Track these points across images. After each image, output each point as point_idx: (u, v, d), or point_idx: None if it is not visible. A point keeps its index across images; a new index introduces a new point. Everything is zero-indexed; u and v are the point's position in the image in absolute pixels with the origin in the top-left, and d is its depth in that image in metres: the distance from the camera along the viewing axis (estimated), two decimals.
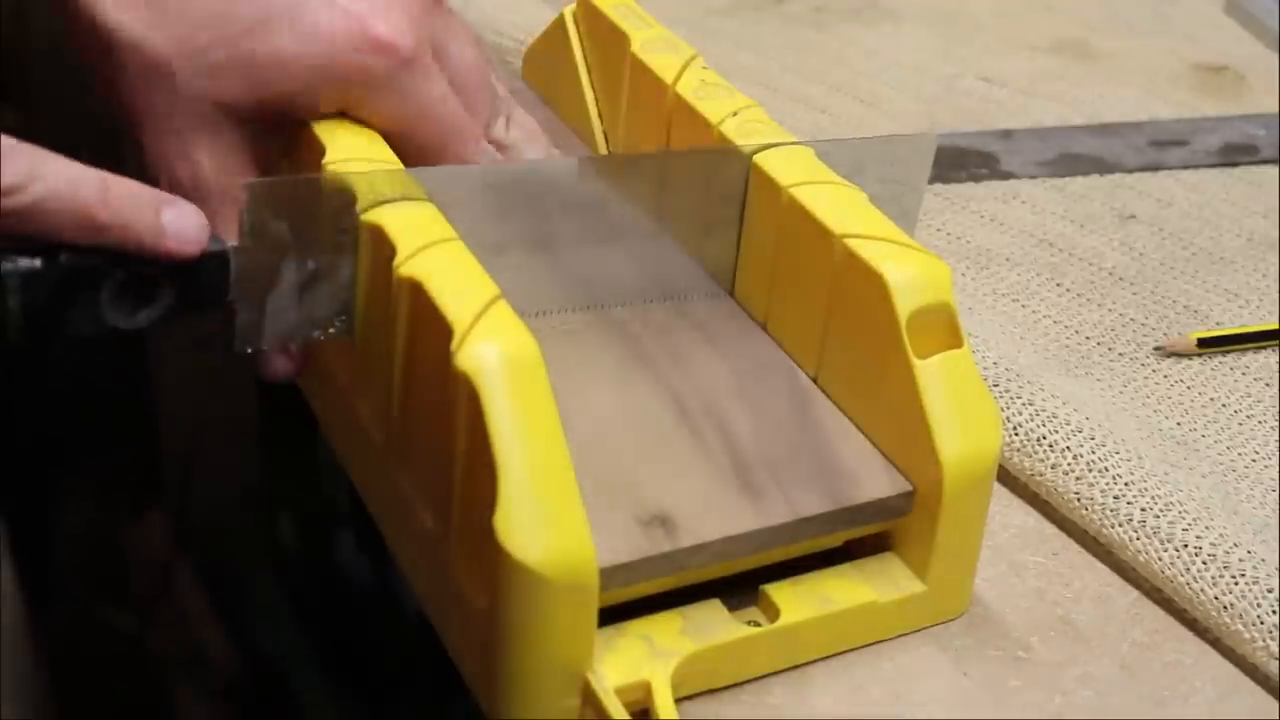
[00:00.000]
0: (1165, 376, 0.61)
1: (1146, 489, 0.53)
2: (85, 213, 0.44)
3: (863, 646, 0.49)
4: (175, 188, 0.51)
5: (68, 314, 0.45)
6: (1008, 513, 0.55)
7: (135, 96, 0.51)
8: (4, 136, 0.43)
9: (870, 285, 0.48)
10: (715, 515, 0.46)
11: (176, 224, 0.46)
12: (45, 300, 0.45)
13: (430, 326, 0.44)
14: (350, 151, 0.50)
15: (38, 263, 0.44)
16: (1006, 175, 0.74)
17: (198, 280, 0.47)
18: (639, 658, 0.45)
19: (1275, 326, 0.63)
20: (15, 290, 0.44)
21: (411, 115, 0.52)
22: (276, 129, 0.52)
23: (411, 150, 0.52)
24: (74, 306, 0.45)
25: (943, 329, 0.48)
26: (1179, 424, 0.58)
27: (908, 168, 0.57)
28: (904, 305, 0.47)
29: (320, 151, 0.50)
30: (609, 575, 0.43)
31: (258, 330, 0.49)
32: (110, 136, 0.53)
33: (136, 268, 0.46)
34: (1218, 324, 0.64)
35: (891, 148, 0.57)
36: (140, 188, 0.46)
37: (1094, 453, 0.54)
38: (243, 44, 0.49)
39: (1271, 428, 0.59)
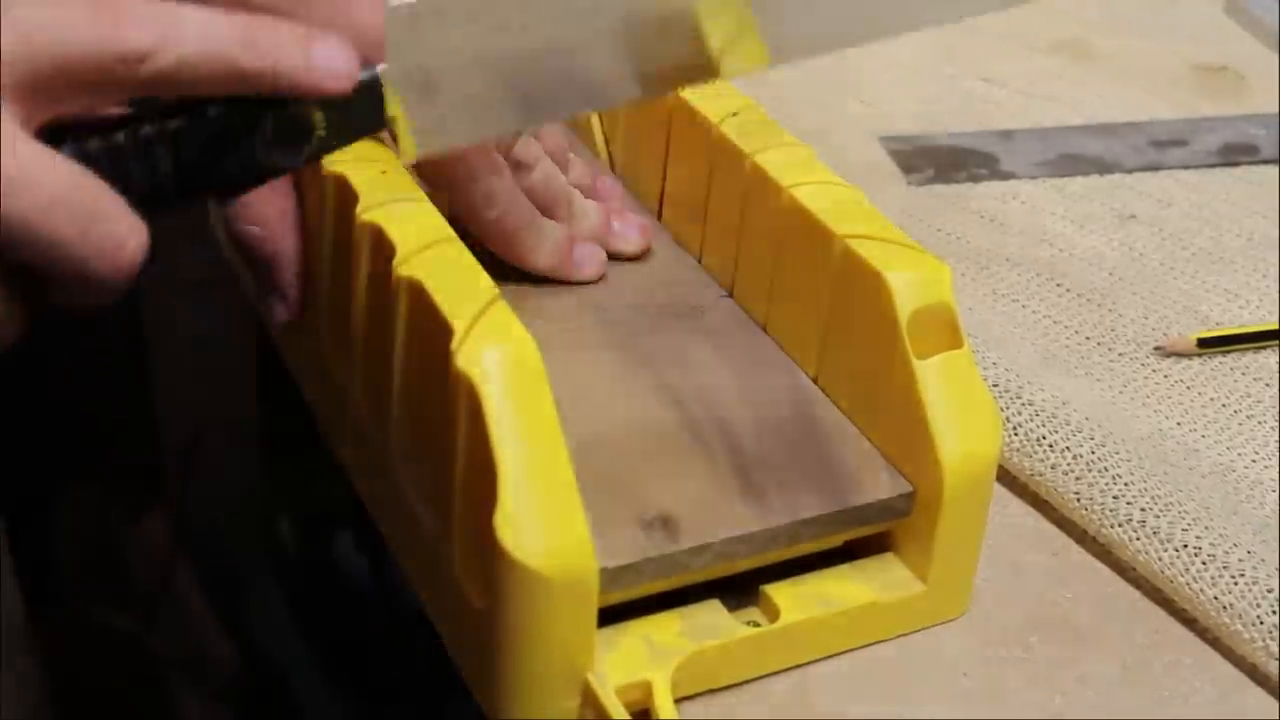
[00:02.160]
0: (1165, 376, 0.61)
1: (1146, 489, 0.53)
2: (231, 65, 0.41)
3: (862, 646, 0.49)
4: None
5: (224, 167, 0.43)
6: (1008, 513, 0.55)
7: None
8: None
9: (870, 286, 0.48)
10: (716, 516, 0.46)
11: (326, 60, 0.43)
12: (198, 155, 0.43)
13: (430, 327, 0.44)
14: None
15: (185, 121, 0.42)
16: (1006, 175, 0.74)
17: (351, 109, 0.45)
18: (639, 658, 0.45)
19: (1275, 326, 0.63)
20: (166, 155, 0.42)
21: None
22: None
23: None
24: (230, 158, 0.43)
25: (943, 329, 0.48)
26: (1179, 424, 0.58)
27: None
28: (904, 306, 0.47)
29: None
30: (610, 576, 0.43)
31: (438, 133, 0.46)
32: None
33: (289, 108, 0.44)
34: (1218, 324, 0.64)
35: None
36: (285, 25, 0.43)
37: (1094, 453, 0.54)
38: None
39: (1271, 428, 0.59)
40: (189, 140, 0.43)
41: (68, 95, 0.40)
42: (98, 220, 0.39)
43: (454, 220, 0.48)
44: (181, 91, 0.42)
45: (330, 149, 0.45)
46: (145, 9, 0.40)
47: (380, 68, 0.45)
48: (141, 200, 0.41)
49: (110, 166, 0.41)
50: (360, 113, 0.45)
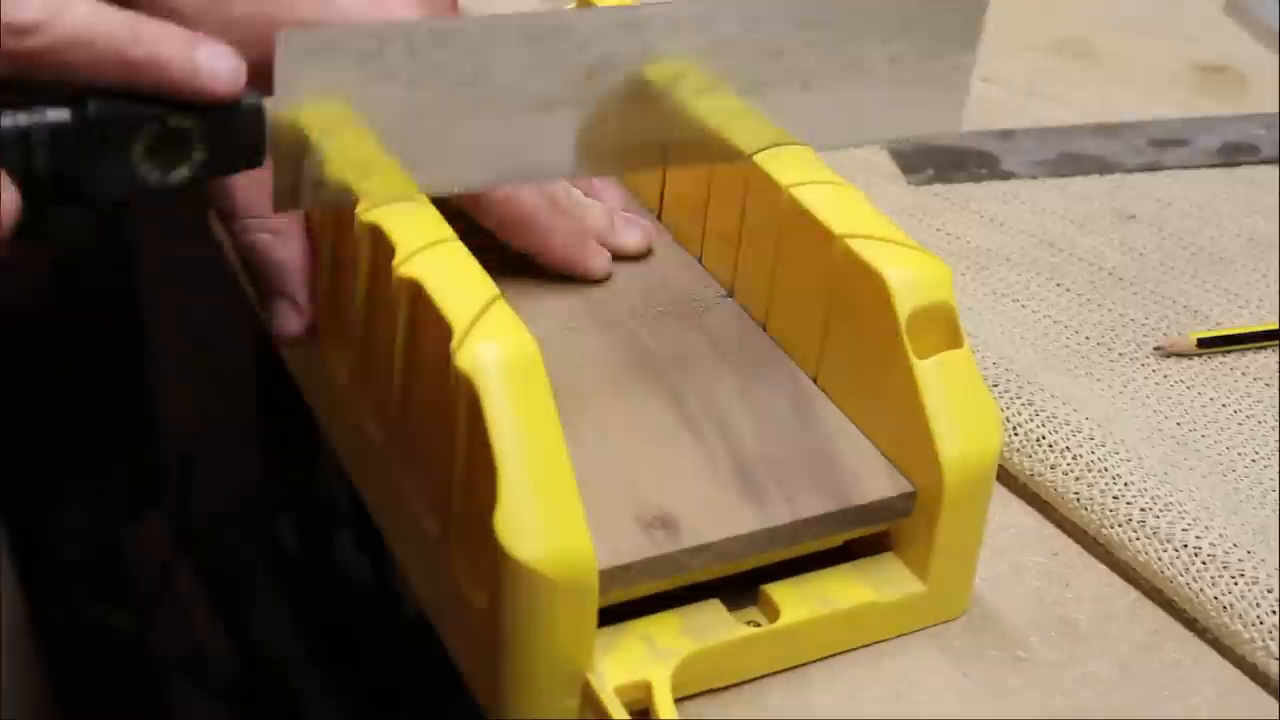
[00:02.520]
0: (1165, 376, 0.61)
1: (1146, 489, 0.53)
2: (115, 49, 0.42)
3: (862, 646, 0.49)
4: None
5: (98, 172, 0.43)
6: (1007, 513, 0.55)
7: None
8: None
9: (870, 285, 0.48)
10: (717, 516, 0.46)
11: (211, 62, 0.44)
12: (74, 156, 0.43)
13: (430, 326, 0.44)
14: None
15: (65, 114, 0.42)
16: (1006, 175, 0.74)
17: (233, 134, 0.45)
18: (639, 658, 0.45)
19: (1275, 326, 0.63)
20: (43, 145, 0.42)
21: None
22: None
23: None
24: (105, 163, 0.43)
25: (942, 329, 0.48)
26: (1179, 424, 0.58)
27: (951, 30, 0.54)
28: (903, 305, 0.47)
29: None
30: (610, 576, 0.43)
31: (294, 192, 0.47)
32: None
33: (169, 119, 0.44)
34: (1218, 324, 0.64)
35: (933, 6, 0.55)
36: (172, 27, 0.44)
37: (1094, 453, 0.54)
38: (266, 5, 0.49)
39: (1271, 428, 0.59)
40: (66, 136, 0.43)
41: None
42: None
43: (453, 220, 0.48)
44: (65, 73, 0.42)
45: (207, 173, 0.45)
46: None
47: (266, 99, 0.45)
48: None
49: None
50: (241, 139, 0.45)
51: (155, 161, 0.44)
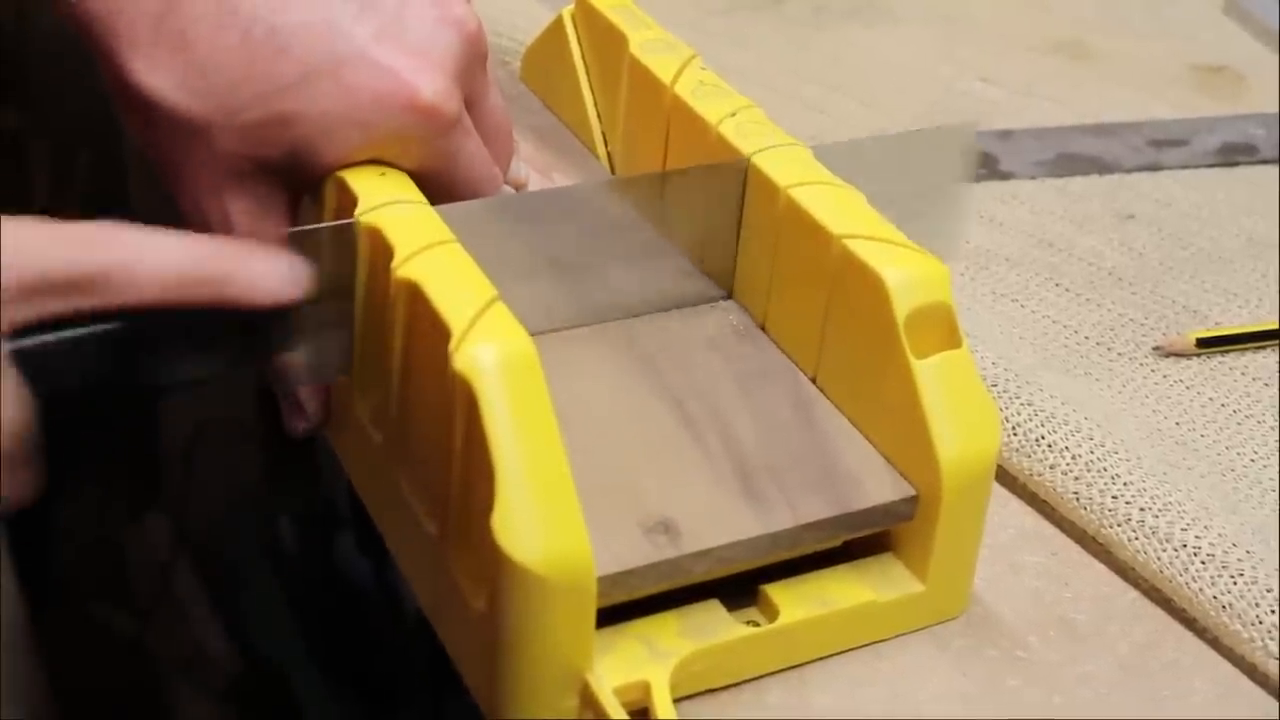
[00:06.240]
0: (1164, 376, 0.61)
1: (1145, 489, 0.53)
2: (176, 283, 0.43)
3: (861, 646, 0.49)
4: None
5: (127, 375, 0.44)
6: (1006, 513, 0.55)
7: (169, 152, 0.51)
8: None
9: (868, 286, 0.48)
10: (718, 521, 0.46)
11: (266, 275, 0.45)
12: (103, 365, 0.44)
13: (428, 328, 0.44)
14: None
15: (95, 329, 0.43)
16: (1006, 176, 0.74)
17: (259, 328, 0.46)
18: (638, 658, 0.45)
19: (1275, 326, 0.63)
20: (68, 366, 0.43)
21: (445, 169, 0.51)
22: (308, 177, 0.51)
23: (440, 194, 0.51)
24: (135, 369, 0.44)
25: (941, 329, 0.48)
26: (1178, 424, 0.58)
27: (942, 164, 0.56)
28: (902, 305, 0.47)
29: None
30: (612, 582, 0.43)
31: (299, 371, 0.49)
32: (111, 137, 0.53)
33: (196, 319, 0.45)
34: (1217, 324, 0.64)
35: (921, 141, 0.56)
36: (226, 243, 0.46)
37: (1093, 453, 0.54)
38: (282, 103, 0.48)
39: (1271, 428, 0.59)
40: (95, 349, 0.43)
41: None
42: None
43: None
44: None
45: (237, 369, 0.47)
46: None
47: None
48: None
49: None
50: (268, 332, 0.47)
51: (184, 359, 0.46)
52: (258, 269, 0.45)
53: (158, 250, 0.43)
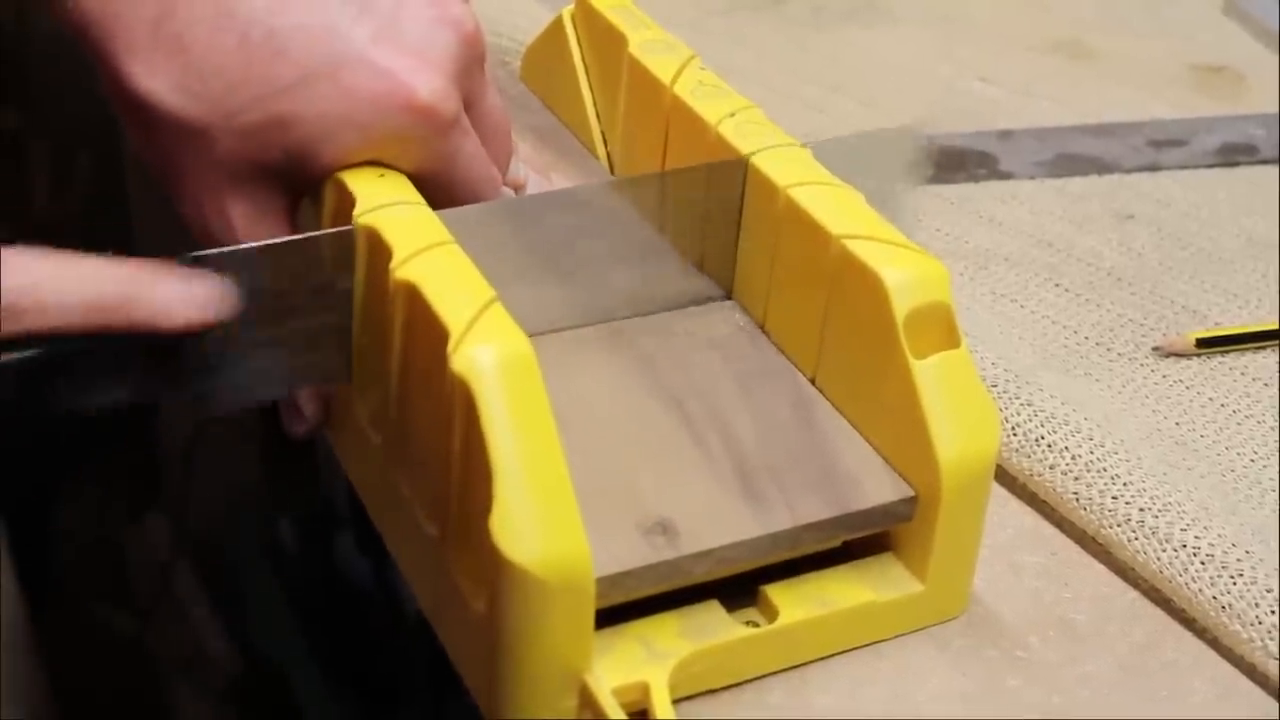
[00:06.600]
0: (1164, 376, 0.61)
1: (1145, 489, 0.53)
2: (80, 308, 0.43)
3: (861, 646, 0.49)
4: (208, 240, 0.51)
5: (37, 403, 0.44)
6: (1006, 513, 0.55)
7: (168, 155, 0.50)
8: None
9: (867, 286, 0.48)
10: (717, 522, 0.46)
11: (174, 299, 0.45)
12: (13, 392, 0.43)
13: (426, 329, 0.44)
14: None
15: (4, 357, 0.43)
16: (1005, 176, 0.74)
17: (175, 354, 0.46)
18: (637, 659, 0.45)
19: (1274, 326, 0.63)
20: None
21: (444, 170, 0.51)
22: (307, 179, 0.51)
23: (439, 195, 0.51)
24: (46, 396, 0.44)
25: (940, 329, 0.48)
26: (1178, 424, 0.58)
27: (890, 164, 0.56)
28: (901, 305, 0.47)
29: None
30: (611, 583, 0.43)
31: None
32: (111, 137, 0.53)
33: (115, 344, 0.44)
34: (1216, 324, 0.64)
35: (870, 144, 0.56)
36: (135, 267, 0.45)
37: (1092, 453, 0.54)
38: (280, 106, 0.48)
39: (1271, 428, 0.59)
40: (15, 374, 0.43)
41: None
42: None
43: None
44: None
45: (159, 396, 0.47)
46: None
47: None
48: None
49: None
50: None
51: (99, 384, 0.45)
52: (168, 294, 0.45)
53: (65, 276, 0.43)
